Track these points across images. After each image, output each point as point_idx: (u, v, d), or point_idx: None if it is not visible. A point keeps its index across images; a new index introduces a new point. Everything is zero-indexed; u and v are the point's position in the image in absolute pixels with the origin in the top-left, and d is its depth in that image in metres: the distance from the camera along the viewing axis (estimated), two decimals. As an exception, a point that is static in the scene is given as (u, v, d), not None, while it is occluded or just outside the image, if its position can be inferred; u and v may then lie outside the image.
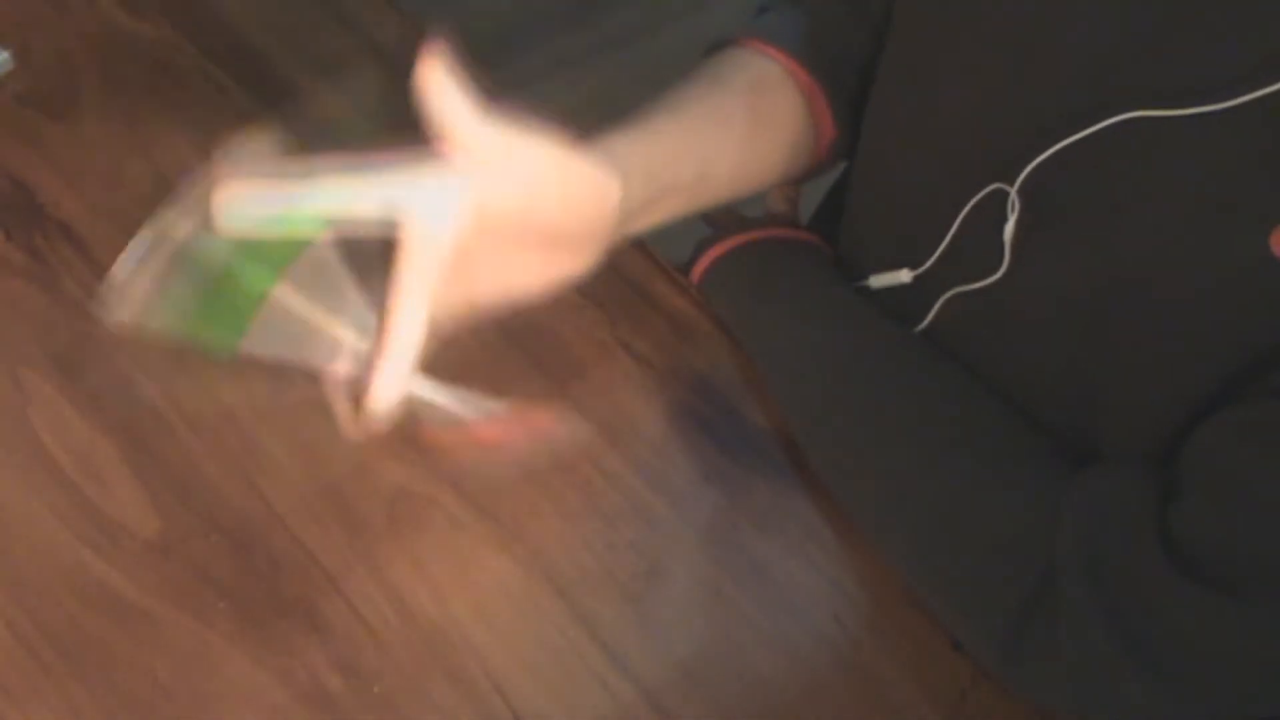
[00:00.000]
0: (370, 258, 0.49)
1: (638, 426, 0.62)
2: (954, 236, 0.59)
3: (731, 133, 0.62)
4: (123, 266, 0.47)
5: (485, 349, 0.62)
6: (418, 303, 0.48)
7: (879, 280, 0.64)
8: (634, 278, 0.63)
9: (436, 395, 0.51)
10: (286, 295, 0.48)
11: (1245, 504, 0.47)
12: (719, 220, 0.69)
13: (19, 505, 0.57)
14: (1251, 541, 0.47)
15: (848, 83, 0.66)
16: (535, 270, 0.54)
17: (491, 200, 0.49)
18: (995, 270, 0.57)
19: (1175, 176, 0.49)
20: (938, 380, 0.60)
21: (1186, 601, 0.47)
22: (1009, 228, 0.55)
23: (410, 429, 0.60)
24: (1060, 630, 0.50)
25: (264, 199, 0.47)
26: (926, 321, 0.62)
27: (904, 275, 0.62)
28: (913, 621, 0.57)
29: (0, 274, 0.64)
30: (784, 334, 0.63)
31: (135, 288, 0.47)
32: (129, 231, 0.66)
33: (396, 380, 0.48)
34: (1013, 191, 0.54)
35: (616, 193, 0.53)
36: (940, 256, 0.60)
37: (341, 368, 0.50)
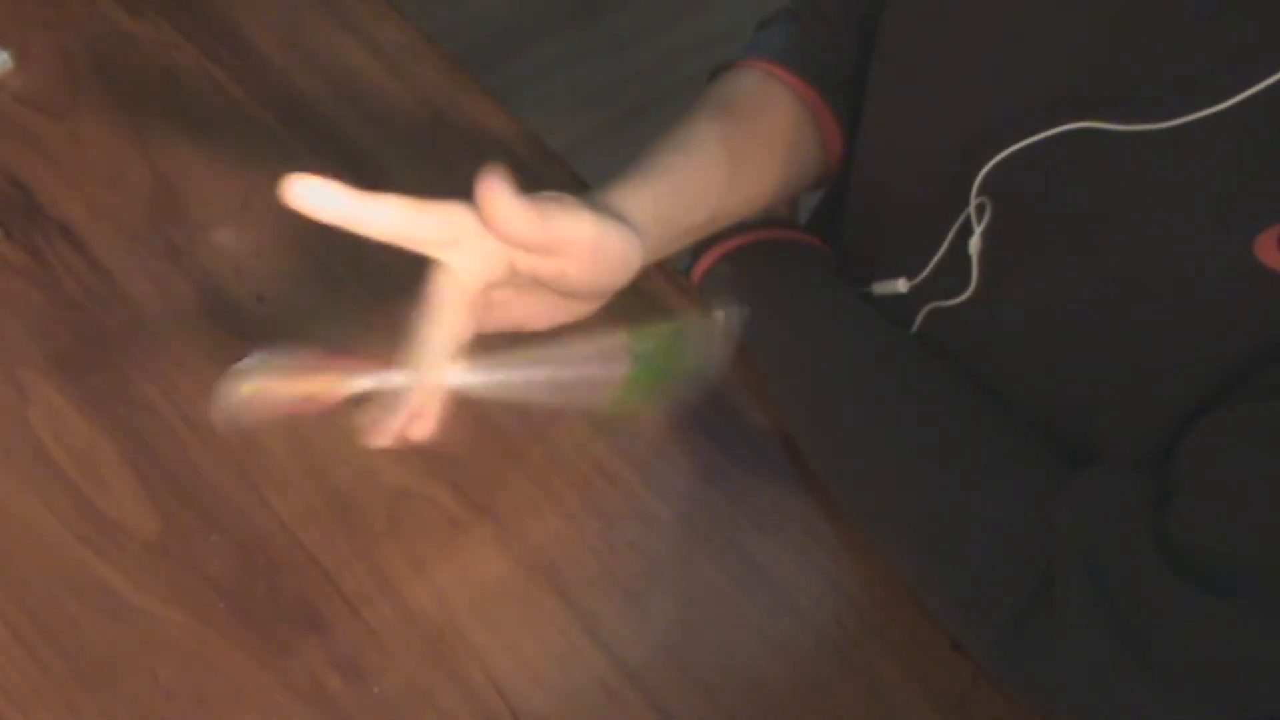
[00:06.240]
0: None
1: (638, 426, 0.62)
2: (934, 248, 0.59)
3: (743, 167, 0.62)
4: None
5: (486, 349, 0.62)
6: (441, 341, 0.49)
7: (880, 288, 0.65)
8: (634, 278, 0.63)
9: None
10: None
11: (1238, 505, 0.47)
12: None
13: (19, 505, 0.57)
14: (1245, 542, 0.47)
15: (847, 94, 0.67)
16: (549, 312, 0.55)
17: (527, 269, 0.50)
18: (969, 286, 0.57)
19: (1142, 188, 0.49)
20: (936, 382, 0.60)
21: (1182, 602, 0.48)
22: (974, 241, 0.56)
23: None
24: (1057, 631, 0.50)
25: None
26: (912, 332, 0.63)
27: (900, 285, 0.63)
28: (913, 621, 0.57)
29: (0, 274, 0.64)
30: (784, 335, 0.63)
31: None
32: (129, 231, 0.67)
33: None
34: (972, 204, 0.55)
35: (640, 256, 0.53)
36: (925, 268, 0.60)
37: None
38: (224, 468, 0.59)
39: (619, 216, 0.53)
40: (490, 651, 0.55)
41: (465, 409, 0.52)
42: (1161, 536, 0.49)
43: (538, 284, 0.51)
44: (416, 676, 0.54)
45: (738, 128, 0.62)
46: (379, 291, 0.65)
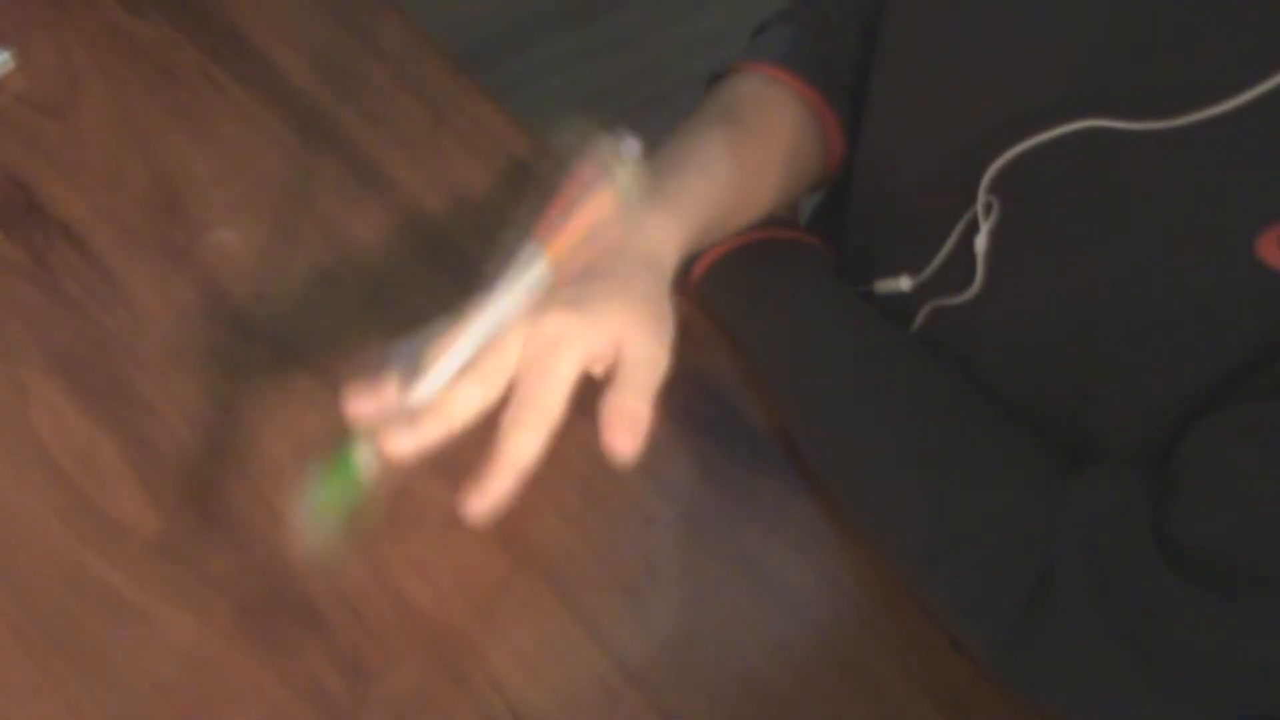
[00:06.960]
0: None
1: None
2: (939, 246, 0.59)
3: (751, 179, 0.63)
4: None
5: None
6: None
7: (883, 285, 0.65)
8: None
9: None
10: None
11: (1237, 504, 0.47)
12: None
13: (19, 505, 0.57)
14: (1244, 541, 0.47)
15: (850, 96, 0.67)
16: None
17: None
18: (973, 284, 0.57)
19: (1148, 186, 0.49)
20: (936, 382, 0.60)
21: (1182, 602, 0.48)
22: (980, 240, 0.56)
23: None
24: (1058, 631, 0.50)
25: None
26: (913, 330, 0.63)
27: (904, 283, 0.63)
28: (913, 621, 0.57)
29: (0, 274, 0.64)
30: (783, 335, 0.63)
31: None
32: (129, 231, 0.67)
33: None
34: (978, 202, 0.55)
35: (675, 321, 0.55)
36: (929, 266, 0.60)
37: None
38: (224, 468, 0.59)
39: (657, 265, 0.55)
40: (490, 651, 0.55)
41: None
42: (1161, 536, 0.49)
43: None
44: (416, 676, 0.54)
45: (745, 137, 0.63)
46: (379, 292, 0.65)
